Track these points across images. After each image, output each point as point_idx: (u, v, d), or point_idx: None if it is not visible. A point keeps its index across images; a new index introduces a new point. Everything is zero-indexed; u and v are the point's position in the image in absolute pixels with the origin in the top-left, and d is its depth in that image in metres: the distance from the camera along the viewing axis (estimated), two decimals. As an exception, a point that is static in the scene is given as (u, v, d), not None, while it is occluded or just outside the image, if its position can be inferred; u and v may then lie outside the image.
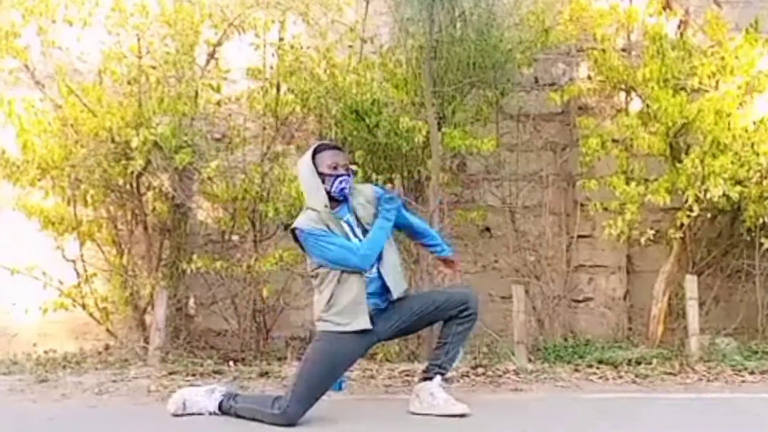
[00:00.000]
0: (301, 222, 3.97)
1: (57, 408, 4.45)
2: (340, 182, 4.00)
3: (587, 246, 6.55)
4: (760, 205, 5.66)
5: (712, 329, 6.02)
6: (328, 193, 3.99)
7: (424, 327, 4.43)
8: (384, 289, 4.05)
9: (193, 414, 4.04)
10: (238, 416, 4.00)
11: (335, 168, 4.00)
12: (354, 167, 4.42)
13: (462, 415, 4.02)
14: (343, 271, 3.92)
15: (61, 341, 6.09)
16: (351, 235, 4.01)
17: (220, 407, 4.03)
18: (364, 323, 3.94)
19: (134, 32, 5.65)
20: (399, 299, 4.11)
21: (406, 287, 4.21)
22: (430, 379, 4.13)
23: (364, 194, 4.17)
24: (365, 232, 4.03)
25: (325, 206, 3.95)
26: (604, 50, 6.08)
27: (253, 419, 3.95)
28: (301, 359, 4.08)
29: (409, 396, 4.49)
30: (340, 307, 3.93)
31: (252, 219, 5.81)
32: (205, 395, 4.09)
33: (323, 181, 3.99)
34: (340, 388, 4.65)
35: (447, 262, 4.52)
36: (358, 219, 4.07)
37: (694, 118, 5.63)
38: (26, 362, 5.66)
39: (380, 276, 4.04)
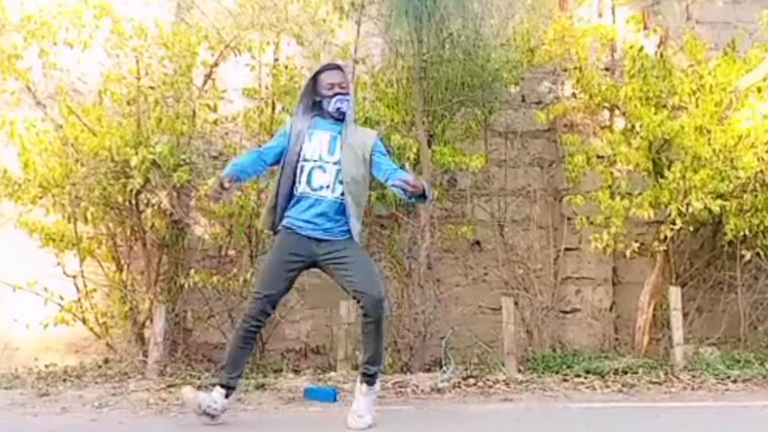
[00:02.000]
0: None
1: (58, 422, 4.42)
2: (336, 101, 4.12)
3: (574, 258, 6.62)
4: (740, 218, 5.79)
5: (695, 339, 6.10)
6: (328, 112, 4.13)
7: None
8: (337, 215, 4.09)
9: (207, 411, 4.06)
10: (230, 367, 4.13)
11: (332, 87, 4.11)
12: None
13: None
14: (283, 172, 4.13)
15: (61, 355, 6.05)
16: (325, 150, 4.10)
17: (221, 385, 4.11)
18: (296, 227, 4.08)
19: (133, 54, 5.66)
20: (355, 250, 4.14)
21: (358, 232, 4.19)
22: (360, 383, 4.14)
23: (362, 134, 4.27)
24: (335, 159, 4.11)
25: (309, 127, 4.16)
26: (580, 69, 6.19)
27: (234, 344, 4.15)
28: None
29: (403, 407, 4.65)
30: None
31: (248, 234, 5.82)
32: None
33: (321, 102, 4.14)
34: (334, 399, 4.75)
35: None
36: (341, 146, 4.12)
37: (676, 134, 5.76)
38: (27, 376, 5.62)
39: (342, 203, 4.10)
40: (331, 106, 4.12)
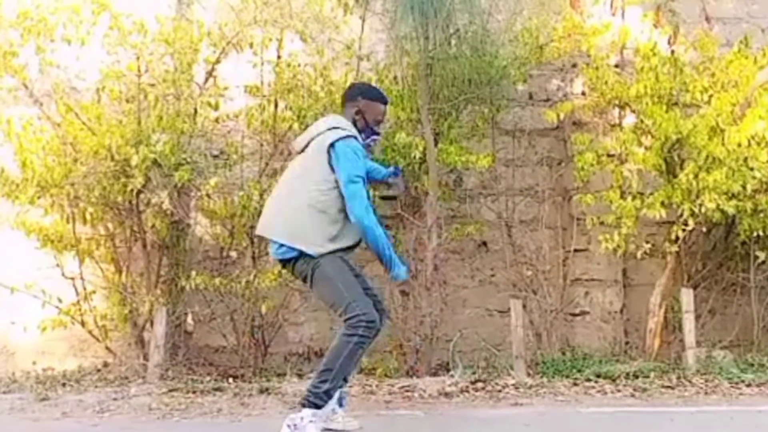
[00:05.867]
0: (351, 137, 3.83)
1: (59, 427, 4.42)
2: (373, 140, 4.03)
3: (583, 260, 6.56)
4: (754, 218, 5.75)
5: (708, 342, 6.07)
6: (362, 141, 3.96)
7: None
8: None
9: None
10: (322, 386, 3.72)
11: (379, 123, 4.03)
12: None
13: None
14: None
15: (59, 359, 6.07)
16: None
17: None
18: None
19: (133, 51, 5.65)
20: None
21: None
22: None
23: None
24: None
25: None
26: (597, 67, 6.14)
27: (342, 364, 3.71)
28: (320, 288, 3.86)
29: (410, 412, 4.59)
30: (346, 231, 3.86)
31: (250, 235, 5.76)
32: None
33: (361, 128, 3.95)
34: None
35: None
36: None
37: (689, 133, 5.71)
38: (26, 380, 5.62)
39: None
40: (368, 139, 4.00)
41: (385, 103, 4.09)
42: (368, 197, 3.87)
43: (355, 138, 3.86)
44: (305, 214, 3.78)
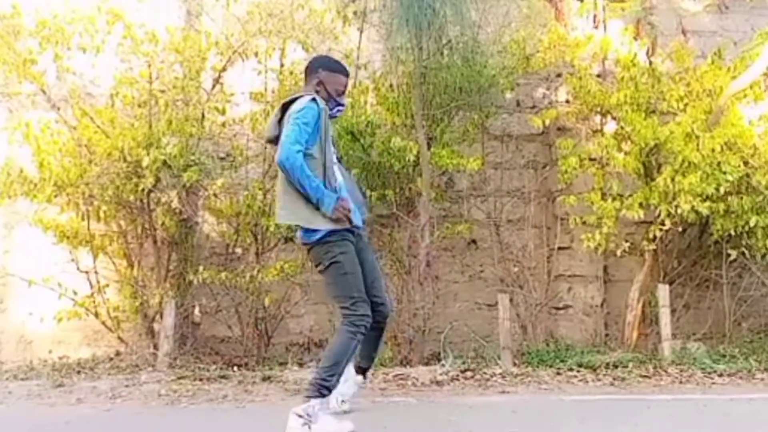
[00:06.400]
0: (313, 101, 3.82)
1: (74, 412, 4.53)
2: (338, 110, 4.04)
3: (566, 257, 6.73)
4: (726, 219, 5.89)
5: (682, 334, 6.20)
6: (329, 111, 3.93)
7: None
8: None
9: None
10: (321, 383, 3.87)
11: (341, 95, 4.01)
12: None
13: None
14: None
15: (74, 348, 6.17)
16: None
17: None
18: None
19: (145, 59, 5.77)
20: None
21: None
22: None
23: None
24: None
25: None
26: (580, 77, 6.29)
27: (348, 359, 3.94)
28: (332, 278, 3.95)
29: (404, 398, 4.74)
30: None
31: (254, 232, 5.92)
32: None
33: (326, 100, 3.92)
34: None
35: None
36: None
37: (666, 139, 5.86)
38: (42, 368, 5.74)
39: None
40: (334, 110, 4.00)
41: (346, 75, 4.07)
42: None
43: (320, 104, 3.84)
44: (293, 195, 3.86)
